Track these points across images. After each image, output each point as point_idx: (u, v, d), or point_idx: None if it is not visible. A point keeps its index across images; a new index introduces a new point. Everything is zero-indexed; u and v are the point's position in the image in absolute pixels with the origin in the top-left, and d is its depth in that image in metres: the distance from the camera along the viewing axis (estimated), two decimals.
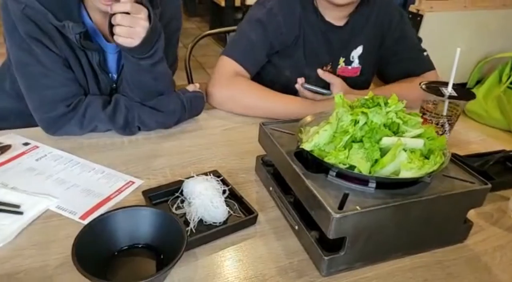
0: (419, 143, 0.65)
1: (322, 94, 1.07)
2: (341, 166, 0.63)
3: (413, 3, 2.10)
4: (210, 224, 0.69)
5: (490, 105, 2.55)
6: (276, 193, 0.76)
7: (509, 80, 2.47)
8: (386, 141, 0.64)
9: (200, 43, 1.51)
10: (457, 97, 0.92)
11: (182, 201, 0.73)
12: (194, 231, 0.67)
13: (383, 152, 0.64)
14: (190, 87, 1.06)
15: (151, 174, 0.84)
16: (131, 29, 0.83)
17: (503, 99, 2.47)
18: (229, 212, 0.71)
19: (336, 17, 1.18)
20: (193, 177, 0.74)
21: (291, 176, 0.68)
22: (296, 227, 0.69)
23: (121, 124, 0.93)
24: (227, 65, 1.12)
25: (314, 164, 0.68)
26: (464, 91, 0.95)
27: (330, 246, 0.63)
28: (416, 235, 0.66)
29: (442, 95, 0.92)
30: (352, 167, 0.63)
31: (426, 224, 0.66)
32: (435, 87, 0.95)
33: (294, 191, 0.68)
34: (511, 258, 0.69)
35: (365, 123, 0.66)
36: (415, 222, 0.64)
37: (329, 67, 1.24)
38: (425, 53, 1.27)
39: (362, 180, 0.63)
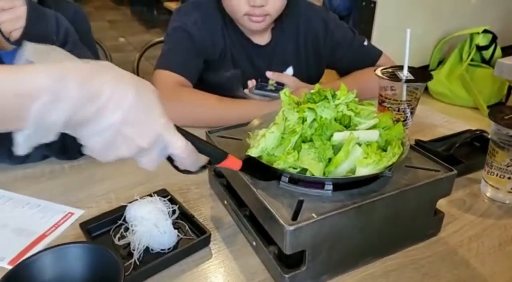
0: (373, 135, 0.60)
1: (272, 98, 1.00)
2: (291, 170, 0.56)
3: None
4: (159, 252, 0.62)
5: (454, 84, 2.56)
6: (231, 207, 0.69)
7: (470, 58, 2.48)
8: (338, 136, 0.58)
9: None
10: (414, 80, 0.87)
11: (126, 229, 0.65)
12: (138, 263, 0.59)
13: (336, 149, 0.58)
14: None
15: (93, 202, 0.75)
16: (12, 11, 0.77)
17: (465, 77, 2.48)
18: (178, 235, 0.64)
19: (256, 35, 1.13)
20: (136, 200, 0.67)
21: (242, 187, 0.62)
22: (254, 243, 0.62)
23: (58, 148, 0.84)
24: (166, 78, 1.04)
25: (265, 171, 0.61)
26: (420, 73, 0.90)
27: (292, 260, 0.56)
28: (384, 235, 0.61)
29: (398, 80, 0.87)
30: (304, 170, 0.57)
31: (393, 223, 0.60)
32: (391, 73, 0.90)
33: (247, 203, 0.62)
34: (489, 248, 0.64)
35: (314, 120, 0.60)
36: (380, 222, 0.58)
37: None
38: (365, 43, 1.22)
39: (317, 183, 0.57)
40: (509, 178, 0.72)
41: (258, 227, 0.62)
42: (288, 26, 1.16)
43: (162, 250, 0.62)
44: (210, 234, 0.64)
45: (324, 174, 0.56)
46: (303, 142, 0.59)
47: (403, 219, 0.61)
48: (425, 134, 0.97)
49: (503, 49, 2.56)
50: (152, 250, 0.62)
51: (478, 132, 0.94)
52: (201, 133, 0.94)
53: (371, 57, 1.21)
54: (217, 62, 1.13)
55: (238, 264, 0.61)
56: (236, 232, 0.67)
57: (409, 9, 2.23)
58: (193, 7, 1.10)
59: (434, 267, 0.60)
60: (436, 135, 0.94)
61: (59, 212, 0.72)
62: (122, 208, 0.67)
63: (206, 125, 0.99)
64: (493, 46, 2.43)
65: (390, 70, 0.91)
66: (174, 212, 0.67)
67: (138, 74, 1.42)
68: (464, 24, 2.53)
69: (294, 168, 0.57)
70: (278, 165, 0.57)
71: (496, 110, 0.72)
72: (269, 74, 1.06)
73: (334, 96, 0.61)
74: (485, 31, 2.42)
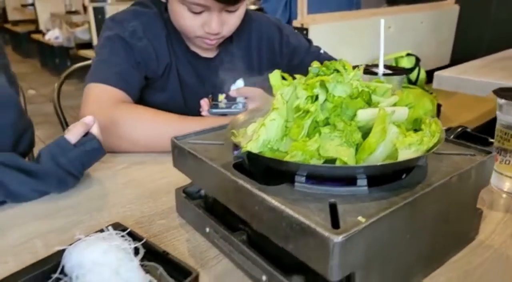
0: (403, 113, 0.46)
1: (233, 115, 0.85)
2: (315, 162, 0.41)
3: (296, 18, 2.07)
4: None
5: None
6: (218, 234, 0.50)
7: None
8: (363, 114, 0.44)
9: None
10: (391, 74, 0.78)
11: None
12: None
13: (363, 132, 0.44)
14: (75, 130, 0.65)
15: (10, 255, 0.51)
16: None
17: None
18: (151, 281, 0.43)
19: (203, 49, 0.99)
20: (79, 239, 0.45)
21: (240, 199, 0.44)
22: (264, 278, 0.43)
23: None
24: (101, 93, 0.84)
25: (266, 174, 0.44)
26: (396, 68, 0.82)
27: None
28: (432, 241, 0.46)
29: (375, 74, 0.77)
30: (328, 162, 0.41)
31: (441, 222, 0.46)
32: (365, 70, 0.81)
33: (250, 221, 0.43)
34: None
35: (325, 100, 0.46)
36: (431, 221, 0.44)
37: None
38: (322, 51, 1.15)
39: (346, 179, 0.42)
40: None
41: (266, 255, 0.44)
42: (238, 37, 1.03)
43: None
44: (198, 274, 0.44)
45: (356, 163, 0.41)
46: (315, 128, 0.44)
47: (451, 216, 0.47)
48: None
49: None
50: None
51: (460, 129, 0.87)
52: (155, 158, 0.78)
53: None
54: (160, 80, 0.96)
55: None
56: (230, 268, 0.48)
57: (338, 37, 2.28)
58: (131, 15, 0.93)
59: (493, 277, 0.47)
60: None
61: None
62: (58, 255, 0.45)
63: (156, 148, 0.80)
64: (417, 69, 2.56)
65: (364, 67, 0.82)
66: (137, 251, 0.47)
67: (60, 109, 1.18)
68: (387, 50, 2.65)
69: (318, 159, 0.41)
70: (294, 157, 0.41)
71: (499, 90, 0.65)
72: (232, 92, 0.90)
73: (345, 69, 0.48)
74: (408, 54, 2.55)
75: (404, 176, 0.45)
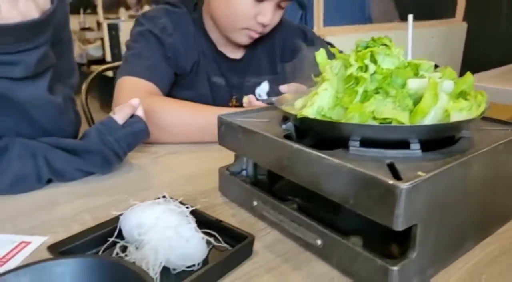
0: (449, 84, 0.48)
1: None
2: (371, 121, 0.42)
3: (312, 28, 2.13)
4: (184, 271, 0.41)
5: None
6: (268, 205, 0.51)
7: None
8: (414, 83, 0.46)
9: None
10: None
11: (124, 248, 0.43)
12: None
13: (414, 99, 0.45)
14: (122, 112, 0.66)
15: (59, 225, 0.52)
16: None
17: None
18: (211, 243, 0.44)
19: (230, 49, 1.02)
20: (135, 205, 0.46)
21: (295, 164, 0.45)
22: (319, 242, 0.44)
23: (17, 177, 0.59)
24: (134, 85, 0.86)
25: (319, 142, 0.46)
26: None
27: (389, 249, 0.40)
28: (482, 209, 0.47)
29: None
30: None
31: (489, 191, 0.47)
32: None
33: (308, 185, 0.44)
34: None
35: (374, 72, 0.47)
36: (481, 187, 0.45)
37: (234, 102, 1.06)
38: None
39: (399, 143, 0.43)
40: None
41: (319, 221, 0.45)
42: (262, 40, 1.06)
43: (188, 267, 0.41)
44: (253, 238, 0.45)
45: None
46: (365, 98, 0.46)
47: (498, 186, 0.48)
48: None
49: None
50: (174, 269, 0.41)
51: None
52: (188, 150, 0.79)
53: None
54: (189, 77, 0.98)
55: (303, 276, 0.42)
56: (280, 237, 0.49)
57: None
58: (161, 13, 0.96)
59: None
60: None
61: (8, 243, 0.48)
62: (113, 221, 0.46)
63: (189, 139, 0.81)
64: None
65: None
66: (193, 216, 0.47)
67: (88, 108, 1.20)
68: None
69: (375, 120, 0.42)
70: (351, 119, 0.42)
71: None
72: (283, 88, 0.90)
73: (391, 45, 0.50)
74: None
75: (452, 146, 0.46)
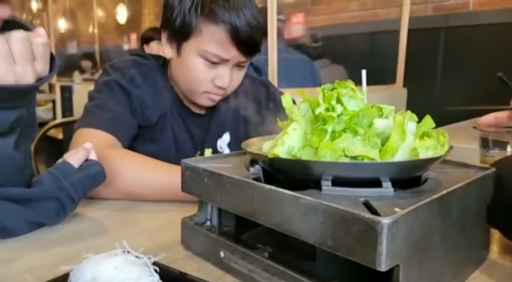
0: (412, 125, 0.49)
1: None
2: (343, 159, 0.41)
3: None
4: None
5: None
6: (237, 255, 0.47)
7: None
8: (380, 123, 0.46)
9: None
10: None
11: None
12: None
13: (381, 139, 0.46)
14: (76, 156, 0.62)
15: None
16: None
17: None
18: None
19: (194, 106, 1.02)
20: (88, 257, 0.41)
21: (268, 206, 0.42)
22: None
23: None
24: (92, 136, 0.81)
25: (290, 182, 0.44)
26: None
27: None
28: (456, 250, 0.46)
29: None
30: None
31: (463, 231, 0.46)
32: None
33: (282, 228, 0.41)
34: None
35: (341, 113, 0.48)
36: (456, 226, 0.45)
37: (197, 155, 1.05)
38: None
39: (370, 182, 0.42)
40: None
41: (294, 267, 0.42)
42: (230, 96, 1.07)
43: None
44: None
45: None
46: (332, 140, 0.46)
47: (470, 226, 0.48)
48: None
49: None
50: None
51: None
52: (144, 206, 0.71)
53: None
54: (153, 130, 0.96)
55: None
56: None
57: None
58: (130, 63, 0.95)
59: None
60: None
61: None
62: (62, 278, 0.40)
63: (148, 196, 0.76)
64: None
65: None
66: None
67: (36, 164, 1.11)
68: None
69: (346, 157, 0.41)
70: (323, 157, 0.41)
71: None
72: None
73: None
74: None
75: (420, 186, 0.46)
